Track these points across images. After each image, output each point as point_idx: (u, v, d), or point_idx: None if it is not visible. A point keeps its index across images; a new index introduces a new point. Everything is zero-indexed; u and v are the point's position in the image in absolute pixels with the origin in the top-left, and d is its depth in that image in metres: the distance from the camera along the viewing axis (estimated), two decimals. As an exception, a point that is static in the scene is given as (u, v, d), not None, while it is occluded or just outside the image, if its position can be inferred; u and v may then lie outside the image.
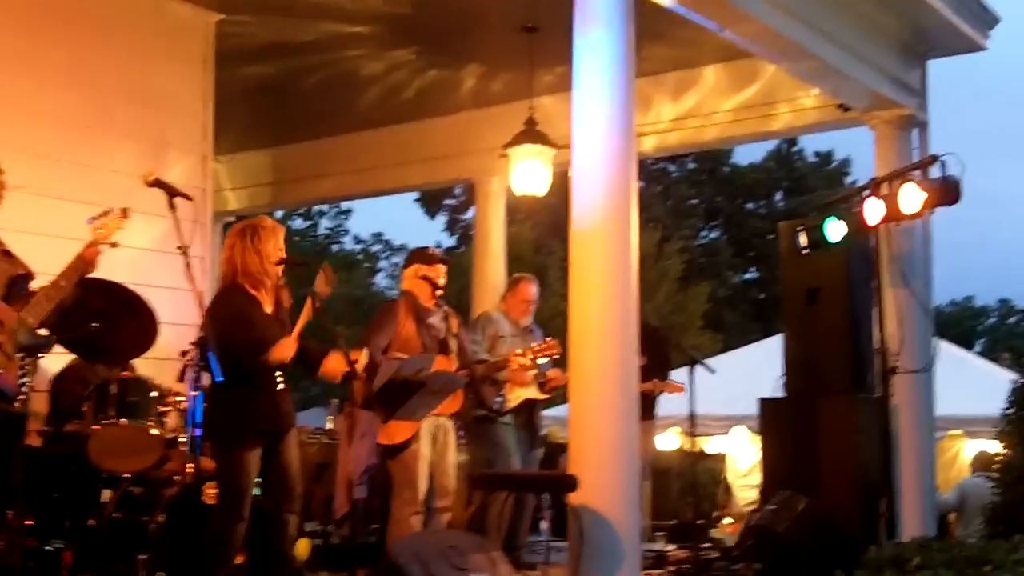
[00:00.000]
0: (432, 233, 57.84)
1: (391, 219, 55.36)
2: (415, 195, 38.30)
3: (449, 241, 39.55)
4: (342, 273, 35.25)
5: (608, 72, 6.81)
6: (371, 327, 7.78)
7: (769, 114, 10.84)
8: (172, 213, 5.74)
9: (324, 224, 41.91)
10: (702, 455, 19.59)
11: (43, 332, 5.99)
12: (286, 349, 6.21)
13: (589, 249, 6.72)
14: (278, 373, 6.40)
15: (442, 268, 7.83)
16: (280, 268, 6.43)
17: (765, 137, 11.88)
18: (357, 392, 6.69)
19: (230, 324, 6.14)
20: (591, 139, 6.79)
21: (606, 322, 6.61)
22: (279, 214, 37.58)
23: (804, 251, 9.20)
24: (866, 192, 8.56)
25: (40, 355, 6.06)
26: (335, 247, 41.63)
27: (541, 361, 8.88)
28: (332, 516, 8.78)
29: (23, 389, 5.74)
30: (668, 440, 17.35)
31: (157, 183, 5.79)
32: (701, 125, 11.24)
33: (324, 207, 40.32)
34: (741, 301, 38.27)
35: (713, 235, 40.63)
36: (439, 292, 7.66)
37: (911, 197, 8.18)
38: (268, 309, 6.44)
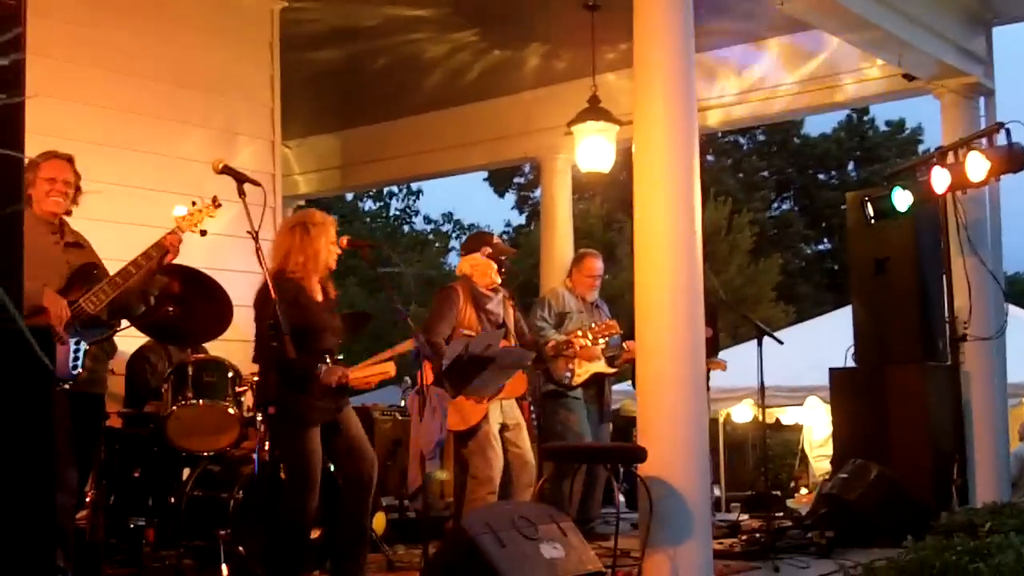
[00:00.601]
0: (501, 211, 57.91)
1: (461, 199, 55.51)
2: (484, 174, 38.38)
3: (518, 219, 39.69)
4: (413, 253, 35.50)
5: (669, 48, 6.85)
6: (432, 315, 7.85)
7: (834, 85, 10.80)
8: (242, 199, 5.84)
9: (395, 205, 42.12)
10: (777, 426, 19.60)
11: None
12: (331, 375, 6.32)
13: (653, 224, 6.78)
14: (327, 358, 6.50)
15: (500, 249, 7.90)
16: (332, 261, 6.50)
17: (830, 108, 11.81)
18: (427, 369, 6.75)
19: (261, 308, 6.25)
20: (653, 115, 6.84)
21: (672, 295, 6.67)
22: (349, 196, 37.94)
23: (871, 221, 9.21)
24: (932, 161, 8.55)
25: (100, 340, 6.16)
26: (406, 228, 41.79)
27: (612, 339, 8.97)
28: (406, 491, 8.93)
29: (74, 372, 5.82)
30: (742, 412, 17.37)
31: (226, 170, 5.89)
32: (766, 98, 11.22)
33: (395, 188, 40.51)
34: (814, 272, 37.99)
35: (785, 207, 40.34)
36: (496, 277, 7.74)
37: (977, 165, 8.17)
38: (318, 298, 6.52)
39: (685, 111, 6.83)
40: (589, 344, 8.39)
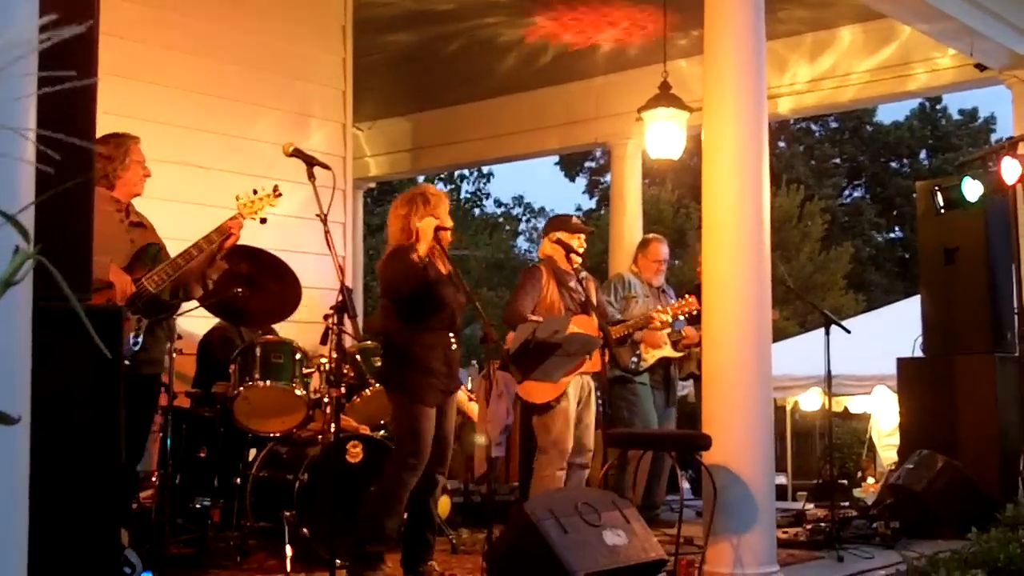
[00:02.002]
0: (572, 196, 57.92)
1: (532, 182, 55.45)
2: (555, 158, 38.38)
3: (589, 203, 39.62)
4: (483, 236, 35.54)
5: (740, 35, 6.83)
6: (517, 290, 7.89)
7: (905, 74, 10.74)
8: (311, 182, 5.90)
9: (465, 188, 42.19)
10: (845, 415, 19.49)
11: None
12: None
13: (721, 211, 6.77)
14: (451, 335, 6.57)
15: (580, 235, 7.92)
16: (448, 234, 6.53)
17: (901, 97, 11.75)
18: (495, 354, 6.79)
19: (400, 275, 6.31)
20: (723, 102, 6.83)
21: (739, 282, 6.66)
22: (420, 179, 38.04)
23: (941, 211, 9.15)
24: (1003, 151, 8.48)
25: (161, 319, 6.25)
26: (476, 211, 41.85)
27: (677, 320, 8.96)
28: (471, 474, 8.99)
29: (134, 349, 5.91)
30: (810, 400, 17.29)
31: (296, 153, 5.95)
32: (838, 86, 11.18)
33: (465, 171, 40.57)
34: (885, 260, 37.71)
35: (856, 194, 40.05)
36: (577, 257, 7.74)
37: (1047, 156, 8.10)
38: (443, 269, 6.58)
39: (755, 99, 6.81)
40: (669, 319, 8.38)
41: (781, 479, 19.93)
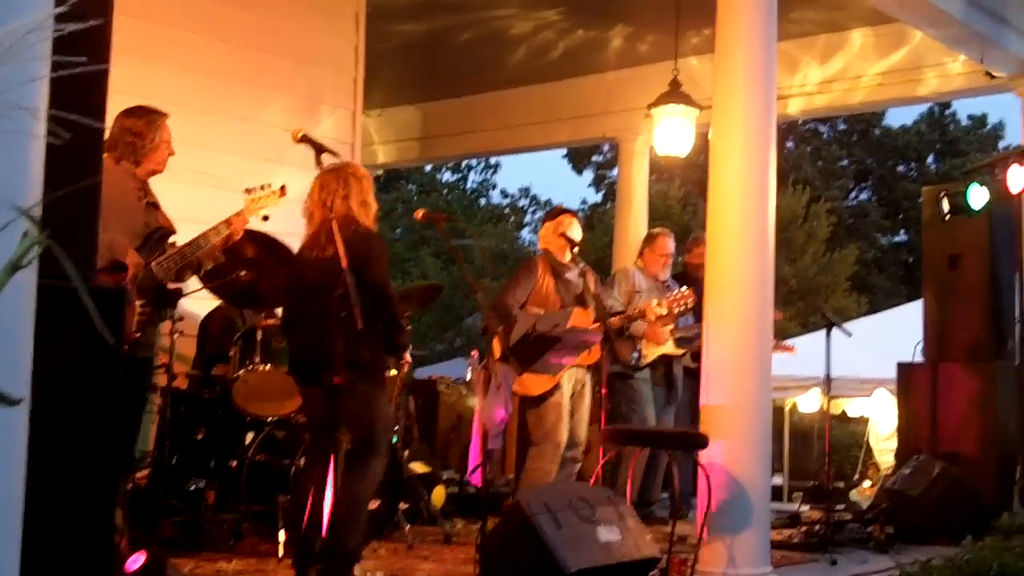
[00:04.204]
0: (579, 189, 57.91)
1: (539, 174, 55.48)
2: (563, 151, 38.37)
3: (595, 197, 39.57)
4: (488, 227, 35.54)
5: (751, 34, 6.84)
6: (510, 281, 7.91)
7: (915, 79, 10.78)
8: (319, 168, 5.90)
9: (472, 178, 42.18)
10: (844, 417, 19.48)
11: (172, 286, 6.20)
12: None
13: (727, 210, 6.78)
14: None
15: (577, 225, 7.94)
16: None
17: (911, 102, 11.80)
18: (495, 345, 6.79)
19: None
20: (732, 101, 6.84)
21: (742, 281, 6.67)
22: (428, 167, 38.06)
23: (946, 217, 9.15)
24: (1010, 159, 8.49)
25: (164, 306, 6.26)
26: (482, 201, 41.86)
27: (681, 316, 8.97)
28: (467, 465, 9.01)
29: (137, 334, 5.91)
30: (809, 401, 17.30)
31: (305, 139, 5.94)
32: (848, 88, 11.21)
33: (473, 161, 40.59)
34: (890, 264, 37.67)
35: (863, 197, 40.01)
36: (575, 248, 7.76)
37: (1054, 165, 8.11)
38: None
39: (764, 99, 6.82)
40: (664, 313, 8.37)
41: (777, 480, 19.93)
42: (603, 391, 7.48)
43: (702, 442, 6.48)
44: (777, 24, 7.01)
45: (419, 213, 6.68)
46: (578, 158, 38.87)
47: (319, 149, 5.89)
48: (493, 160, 41.00)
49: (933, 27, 9.12)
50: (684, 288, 8.52)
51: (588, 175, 40.03)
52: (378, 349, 5.98)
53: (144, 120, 6.12)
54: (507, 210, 41.72)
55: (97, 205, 3.83)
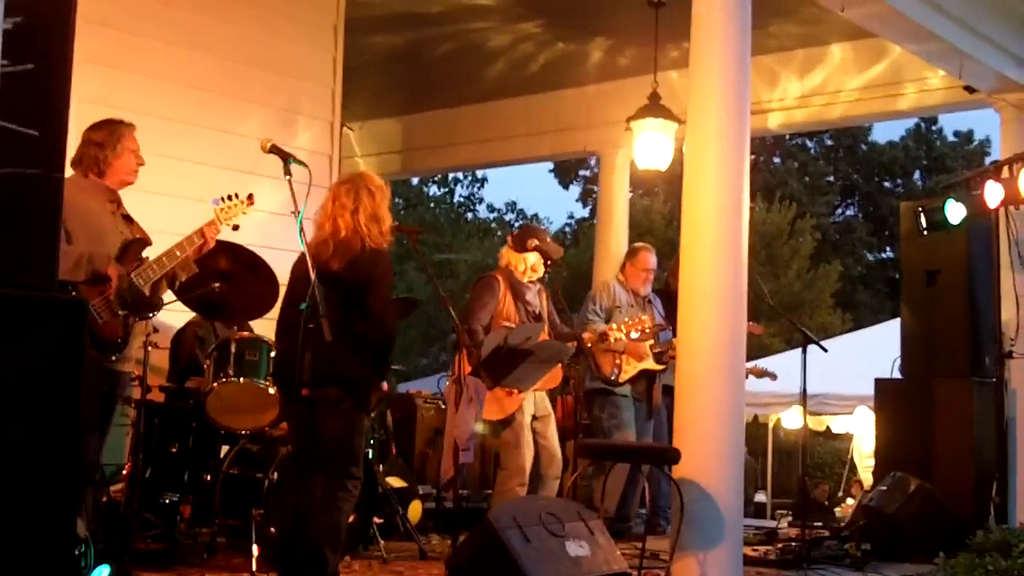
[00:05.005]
0: (565, 203, 58.03)
1: (526, 188, 55.49)
2: (550, 166, 38.43)
3: (582, 212, 39.58)
4: (475, 240, 35.52)
5: (724, 49, 6.83)
6: (472, 303, 7.89)
7: (895, 93, 10.78)
8: (287, 179, 5.86)
9: (459, 192, 42.18)
10: (828, 434, 19.50)
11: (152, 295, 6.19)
12: None
13: (700, 223, 6.76)
14: None
15: (552, 248, 7.97)
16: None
17: (891, 117, 11.80)
18: (465, 359, 6.75)
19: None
20: (706, 116, 6.84)
21: (715, 294, 6.65)
22: (415, 181, 38.05)
23: (924, 232, 9.14)
24: (987, 175, 8.49)
25: (146, 316, 6.25)
26: (469, 215, 41.86)
27: (664, 332, 8.96)
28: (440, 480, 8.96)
29: (121, 344, 5.92)
30: (792, 418, 17.29)
31: (273, 149, 5.92)
32: (827, 103, 11.22)
33: (460, 175, 40.60)
34: (875, 280, 37.70)
35: (849, 212, 40.10)
36: (533, 271, 7.81)
37: (1030, 181, 8.10)
38: None
39: (738, 114, 6.80)
40: (622, 337, 8.34)
41: (761, 497, 19.96)
42: (571, 405, 7.46)
43: (674, 457, 6.45)
44: (755, 38, 7.01)
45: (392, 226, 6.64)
46: (564, 172, 38.91)
47: (287, 159, 5.87)
48: (480, 174, 41.04)
49: (911, 42, 9.11)
50: (643, 315, 8.51)
51: (575, 189, 40.09)
52: (367, 369, 5.93)
53: (106, 130, 6.13)
54: (494, 224, 41.71)
55: (57, 215, 3.78)
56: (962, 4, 8.77)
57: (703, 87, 6.86)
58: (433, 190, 41.19)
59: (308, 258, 5.52)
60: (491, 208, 42.80)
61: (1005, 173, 8.37)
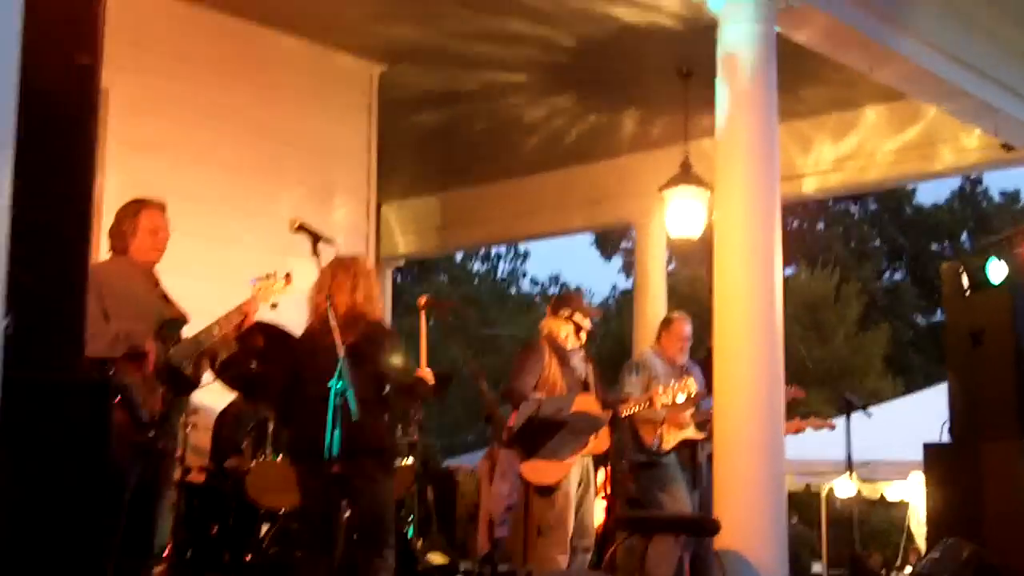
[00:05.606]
0: (608, 275, 57.97)
1: (568, 261, 55.49)
2: (591, 238, 38.46)
3: (625, 283, 39.52)
4: (518, 315, 35.51)
5: (752, 116, 6.84)
6: (517, 368, 7.86)
7: (930, 154, 10.70)
8: (316, 258, 5.90)
9: (502, 267, 42.30)
10: (883, 502, 19.24)
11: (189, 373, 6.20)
12: None
13: (733, 289, 6.77)
14: None
15: (586, 311, 7.93)
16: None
17: (927, 177, 11.71)
18: (500, 432, 6.74)
19: None
20: (734, 183, 6.83)
21: (749, 361, 6.63)
22: (459, 258, 38.19)
23: (967, 292, 9.03)
24: (1026, 232, 8.41)
25: (185, 393, 6.27)
26: (512, 290, 41.90)
27: (705, 400, 8.87)
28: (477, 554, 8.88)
29: (161, 421, 5.94)
30: (844, 486, 17.07)
31: (301, 228, 5.96)
32: (862, 166, 11.14)
33: (502, 250, 40.74)
34: (926, 344, 37.31)
35: (897, 276, 39.85)
36: (583, 334, 7.73)
37: (1070, 236, 8.00)
38: None
39: (767, 179, 6.79)
40: (669, 401, 8.28)
41: (817, 567, 19.71)
42: (607, 475, 7.39)
43: (714, 527, 6.37)
44: (786, 103, 7.02)
45: (421, 300, 6.67)
46: (606, 244, 38.92)
47: (315, 238, 5.90)
48: (522, 248, 41.15)
49: (943, 100, 9.08)
50: (688, 378, 8.45)
51: (617, 261, 40.09)
52: (392, 437, 5.97)
53: (125, 209, 6.17)
54: (537, 299, 41.73)
55: (82, 292, 3.79)
56: (992, 60, 8.74)
57: (730, 154, 6.87)
58: (476, 266, 41.35)
59: (336, 334, 5.52)
60: (534, 282, 42.93)
61: (1047, 230, 8.29)
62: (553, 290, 42.03)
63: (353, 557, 5.71)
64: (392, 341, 6.13)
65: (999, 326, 8.97)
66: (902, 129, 10.74)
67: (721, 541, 6.40)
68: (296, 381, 6.14)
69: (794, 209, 35.14)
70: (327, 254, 5.99)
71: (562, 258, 56.94)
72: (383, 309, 6.19)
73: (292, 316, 6.76)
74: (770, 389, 6.59)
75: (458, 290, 37.18)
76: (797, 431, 9.93)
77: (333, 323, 5.62)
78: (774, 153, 6.89)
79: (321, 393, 5.59)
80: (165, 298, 6.29)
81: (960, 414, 9.25)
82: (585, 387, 7.75)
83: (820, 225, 36.11)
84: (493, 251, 40.07)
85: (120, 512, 5.69)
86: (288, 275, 6.38)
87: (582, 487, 7.67)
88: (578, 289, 38.44)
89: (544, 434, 6.85)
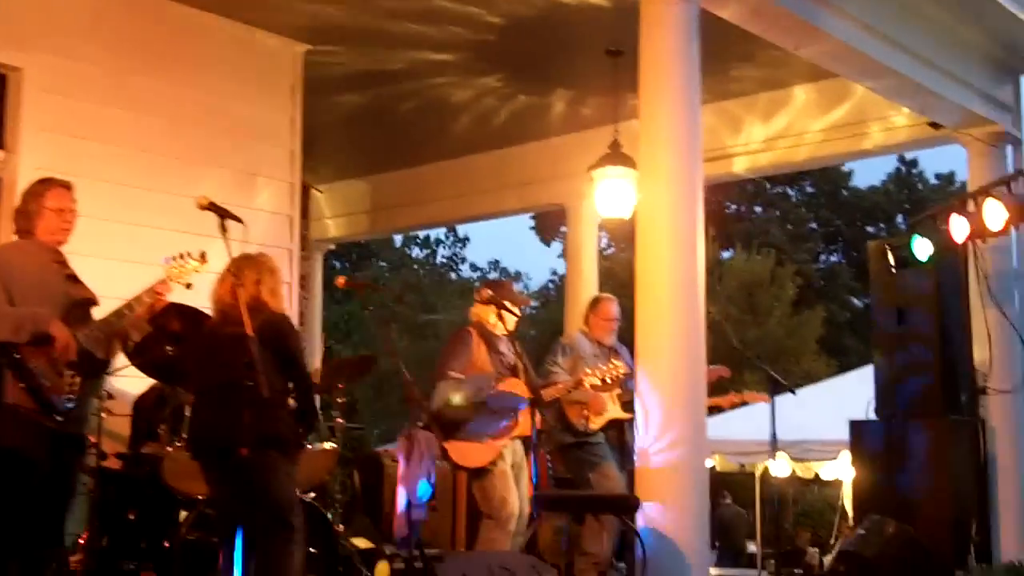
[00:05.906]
0: (547, 260, 58.08)
1: (508, 247, 55.48)
2: (531, 223, 38.50)
3: (564, 268, 39.58)
4: (459, 300, 35.48)
5: (673, 97, 6.81)
6: (446, 355, 7.85)
7: (860, 133, 10.68)
8: (223, 235, 5.80)
9: (442, 252, 42.25)
10: (817, 480, 19.35)
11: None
12: None
13: (653, 270, 6.74)
14: None
15: (515, 299, 7.91)
16: None
17: (857, 156, 11.70)
18: (417, 414, 6.69)
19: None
20: (656, 165, 6.80)
21: (671, 341, 6.58)
22: (398, 243, 38.02)
23: (893, 270, 9.04)
24: (952, 209, 8.42)
25: (94, 375, 6.15)
26: (453, 275, 41.87)
27: (630, 380, 8.83)
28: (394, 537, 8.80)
29: (68, 406, 5.82)
30: (778, 466, 17.12)
31: (210, 206, 5.86)
32: (793, 145, 11.12)
33: (442, 236, 40.67)
34: (862, 325, 37.63)
35: (833, 259, 40.12)
36: (512, 321, 7.72)
37: (994, 213, 8.03)
38: None
39: (689, 160, 6.76)
40: (599, 382, 8.26)
41: (751, 547, 19.79)
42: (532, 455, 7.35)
43: (633, 504, 6.34)
44: (717, 83, 7.01)
45: (340, 280, 6.60)
46: (545, 229, 38.93)
47: (223, 216, 5.80)
48: (462, 234, 41.11)
49: (869, 78, 9.07)
50: (616, 359, 8.42)
51: (557, 246, 40.14)
52: (292, 424, 5.93)
53: (29, 191, 6.07)
54: (477, 283, 41.71)
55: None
56: (918, 39, 8.73)
57: (652, 134, 6.84)
58: (416, 252, 41.26)
59: (245, 315, 5.44)
60: (474, 267, 42.92)
61: (970, 207, 8.30)
62: (493, 276, 42.09)
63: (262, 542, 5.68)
64: (291, 330, 6.25)
65: (924, 304, 9.00)
66: (831, 108, 10.72)
67: (642, 518, 6.35)
68: (203, 370, 6.07)
69: (731, 192, 35.53)
70: (236, 232, 5.87)
71: (502, 244, 56.84)
72: (288, 307, 6.19)
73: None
74: (691, 369, 6.56)
75: (396, 276, 37.06)
76: (733, 405, 9.97)
77: (242, 305, 5.54)
78: (696, 132, 6.84)
79: (217, 380, 5.58)
80: (74, 279, 6.17)
81: (886, 392, 9.29)
82: (514, 372, 7.71)
83: (757, 208, 36.28)
84: (432, 236, 40.01)
85: (23, 500, 5.62)
86: (203, 254, 6.29)
87: (515, 469, 7.63)
88: (509, 276, 38.66)
89: (463, 415, 6.81)
